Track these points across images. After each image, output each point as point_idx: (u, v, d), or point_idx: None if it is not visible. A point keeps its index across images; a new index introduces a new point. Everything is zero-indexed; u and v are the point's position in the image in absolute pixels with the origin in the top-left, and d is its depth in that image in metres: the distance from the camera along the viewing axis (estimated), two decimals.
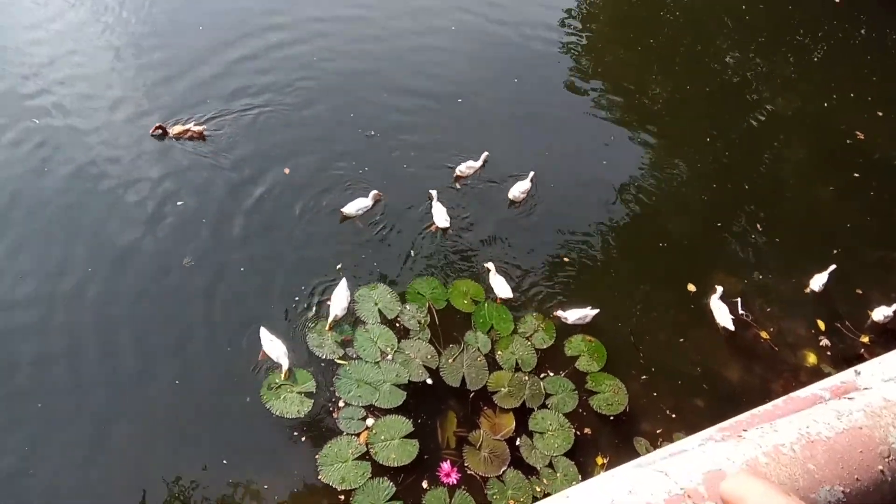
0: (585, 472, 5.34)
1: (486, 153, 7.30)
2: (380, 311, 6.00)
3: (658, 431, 5.66)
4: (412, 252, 6.56)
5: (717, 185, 7.86)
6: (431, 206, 6.79)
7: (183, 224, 6.45)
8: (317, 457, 5.09)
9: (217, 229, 6.46)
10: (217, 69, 8.04)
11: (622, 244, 7.13)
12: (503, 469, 5.23)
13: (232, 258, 6.26)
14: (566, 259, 6.79)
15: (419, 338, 5.87)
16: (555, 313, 6.10)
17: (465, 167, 7.23)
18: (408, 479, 5.11)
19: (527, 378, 5.76)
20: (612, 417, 5.69)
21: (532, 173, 7.20)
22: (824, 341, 6.44)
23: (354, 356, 5.68)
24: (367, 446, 5.17)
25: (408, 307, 6.06)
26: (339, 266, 6.27)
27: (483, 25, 9.49)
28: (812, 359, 6.31)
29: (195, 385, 5.45)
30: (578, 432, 5.54)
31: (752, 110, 8.93)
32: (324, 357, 5.65)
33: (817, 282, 6.66)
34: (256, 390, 5.37)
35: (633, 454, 5.41)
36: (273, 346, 5.46)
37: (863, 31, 10.72)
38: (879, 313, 6.49)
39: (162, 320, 5.79)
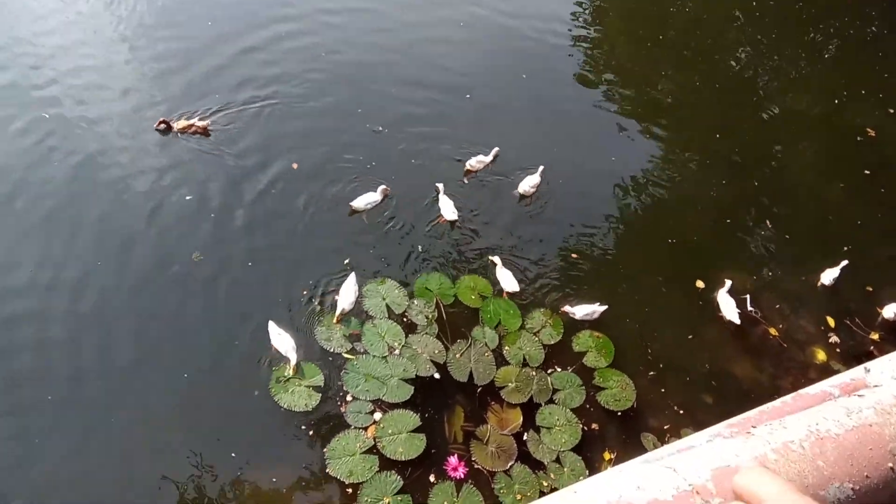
0: (593, 467, 5.34)
1: (496, 149, 7.29)
2: (387, 305, 6.01)
3: (666, 427, 5.66)
4: (420, 247, 6.56)
5: (727, 181, 7.82)
6: (438, 200, 6.79)
7: (191, 218, 6.46)
8: (325, 450, 5.11)
9: (225, 223, 6.48)
10: (227, 61, 8.05)
11: (630, 240, 7.12)
12: (510, 464, 5.25)
13: (239, 252, 6.27)
14: (574, 255, 6.78)
15: (427, 333, 5.88)
16: (562, 309, 6.10)
17: (476, 161, 7.22)
18: (415, 472, 5.13)
19: (534, 373, 5.76)
20: (619, 413, 5.69)
21: (541, 167, 7.18)
22: (834, 338, 6.42)
23: (362, 351, 5.69)
24: (374, 440, 5.19)
25: (415, 302, 6.07)
26: (346, 261, 6.28)
27: (493, 18, 9.47)
28: (821, 356, 6.29)
29: (204, 378, 5.47)
30: (586, 428, 5.54)
31: (762, 106, 8.89)
32: (332, 350, 5.67)
33: (828, 276, 6.63)
34: (264, 384, 5.40)
35: (641, 450, 5.41)
36: (281, 341, 5.48)
37: (874, 28, 10.64)
38: (890, 310, 6.46)
39: (170, 314, 5.81)
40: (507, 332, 6.00)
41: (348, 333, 5.78)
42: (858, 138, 8.55)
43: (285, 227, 6.54)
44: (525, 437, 5.41)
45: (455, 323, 6.00)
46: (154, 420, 5.21)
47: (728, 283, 6.41)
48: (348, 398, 5.42)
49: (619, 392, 5.78)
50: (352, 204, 6.64)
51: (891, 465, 1.19)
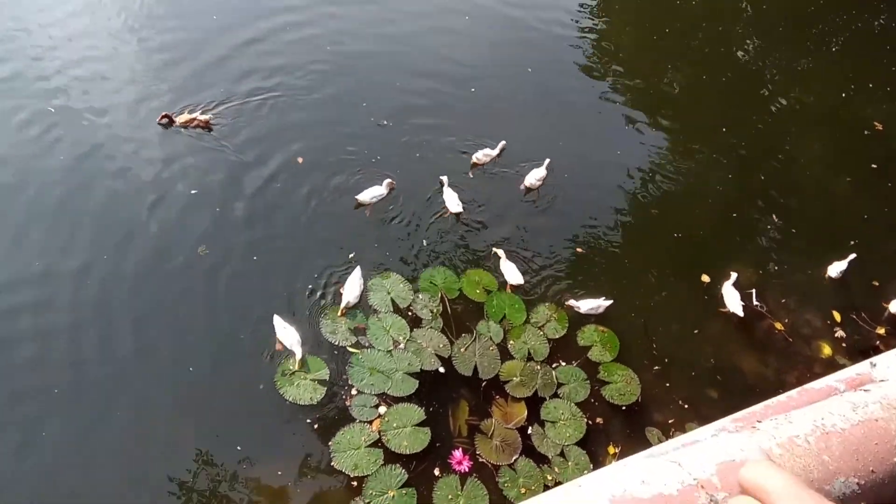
0: (597, 461, 5.35)
1: (503, 142, 7.28)
2: (392, 300, 6.02)
3: (670, 422, 5.66)
4: (424, 241, 6.56)
5: (733, 175, 7.80)
6: (443, 192, 6.78)
7: (195, 212, 6.46)
8: (330, 443, 5.13)
9: (229, 217, 6.48)
10: (230, 52, 8.04)
11: (636, 234, 7.10)
12: (515, 457, 5.25)
13: (244, 246, 6.28)
14: (579, 249, 6.77)
15: (431, 327, 5.88)
16: (567, 303, 6.09)
17: (482, 154, 7.21)
18: (420, 466, 5.14)
19: (539, 367, 5.77)
20: (624, 407, 5.69)
21: (548, 160, 7.17)
22: (840, 333, 6.40)
23: (367, 345, 5.70)
24: (379, 433, 5.20)
25: (420, 296, 6.07)
26: (351, 255, 6.29)
27: (498, 9, 9.45)
28: (827, 350, 6.27)
29: (209, 372, 5.49)
30: (590, 422, 5.55)
31: (769, 99, 8.85)
32: (337, 344, 5.68)
33: (836, 269, 6.61)
34: (270, 377, 5.41)
35: (645, 444, 5.41)
36: (287, 334, 5.49)
37: (882, 20, 10.56)
38: None
39: (175, 307, 5.83)
40: (511, 326, 6.00)
41: (353, 327, 5.79)
42: (866, 132, 8.51)
43: (289, 220, 6.55)
44: (529, 431, 5.42)
45: (460, 317, 6.01)
46: (160, 413, 5.23)
47: (734, 275, 6.39)
48: (353, 392, 5.43)
49: (623, 386, 5.78)
50: (357, 197, 6.64)
51: None
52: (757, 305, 6.42)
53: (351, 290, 5.80)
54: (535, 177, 7.07)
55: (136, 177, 6.67)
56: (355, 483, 4.98)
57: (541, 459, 5.29)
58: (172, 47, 8.02)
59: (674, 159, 7.91)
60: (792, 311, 6.53)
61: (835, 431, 1.20)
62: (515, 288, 6.21)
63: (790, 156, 8.21)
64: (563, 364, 5.86)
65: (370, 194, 6.65)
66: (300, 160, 7.02)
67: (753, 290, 6.48)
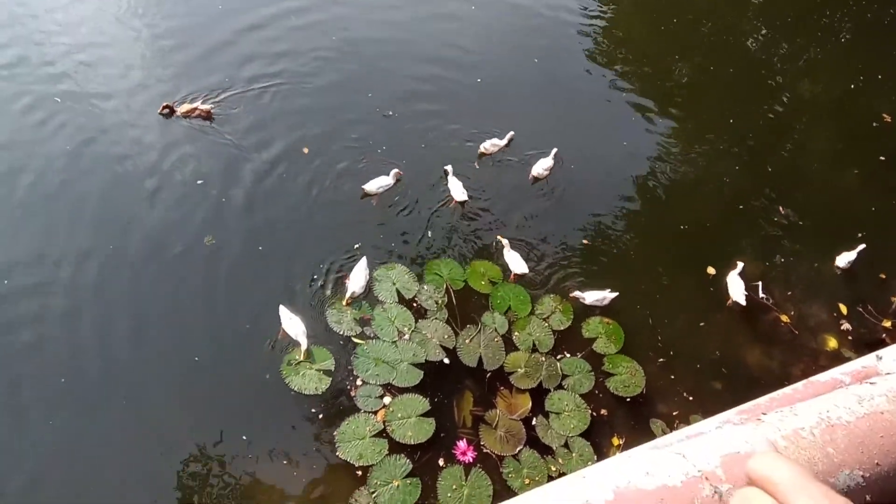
0: (601, 452, 5.36)
1: (511, 132, 7.25)
2: (398, 290, 6.02)
3: (675, 414, 5.66)
4: (430, 232, 6.56)
5: (740, 167, 7.76)
6: (448, 182, 6.77)
7: (201, 202, 6.45)
8: (335, 433, 5.15)
9: (234, 207, 6.47)
10: (235, 40, 8.01)
11: (642, 226, 7.08)
12: (519, 448, 5.27)
13: (249, 236, 6.28)
14: (585, 240, 6.76)
15: (436, 318, 5.89)
16: (572, 294, 6.09)
17: (490, 144, 7.20)
18: (424, 456, 5.16)
19: (543, 359, 5.77)
20: (628, 399, 5.69)
21: (555, 150, 7.15)
22: (846, 325, 6.38)
23: (372, 335, 5.72)
24: (384, 424, 5.22)
25: (425, 287, 6.08)
26: (357, 245, 6.29)
27: (505, 0, 9.38)
28: (833, 343, 6.26)
29: (215, 362, 5.51)
30: (594, 413, 5.55)
31: (776, 91, 8.79)
32: (342, 333, 5.69)
33: (844, 259, 6.59)
34: (276, 368, 5.43)
35: (650, 436, 5.41)
36: (292, 325, 5.50)
37: (892, 11, 10.46)
38: None
39: (180, 297, 5.84)
40: (516, 317, 6.00)
41: (359, 317, 5.80)
42: (874, 124, 8.45)
43: (294, 210, 6.54)
44: (534, 422, 5.43)
45: (465, 308, 6.01)
46: (165, 402, 5.25)
47: (740, 265, 6.38)
48: (358, 382, 5.45)
49: (628, 378, 5.78)
50: (364, 187, 6.62)
51: None
52: (763, 298, 6.40)
53: (356, 280, 5.81)
54: (542, 166, 7.05)
55: (140, 166, 6.65)
56: (360, 473, 5.00)
57: (545, 450, 5.31)
58: (178, 32, 7.99)
59: (680, 150, 7.88)
60: (798, 303, 6.51)
61: (840, 424, 1.20)
62: (519, 277, 6.20)
63: (798, 147, 8.17)
64: (568, 355, 5.86)
65: (377, 184, 6.64)
66: (306, 150, 7.01)
67: (760, 283, 6.46)
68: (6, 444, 4.93)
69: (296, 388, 5.32)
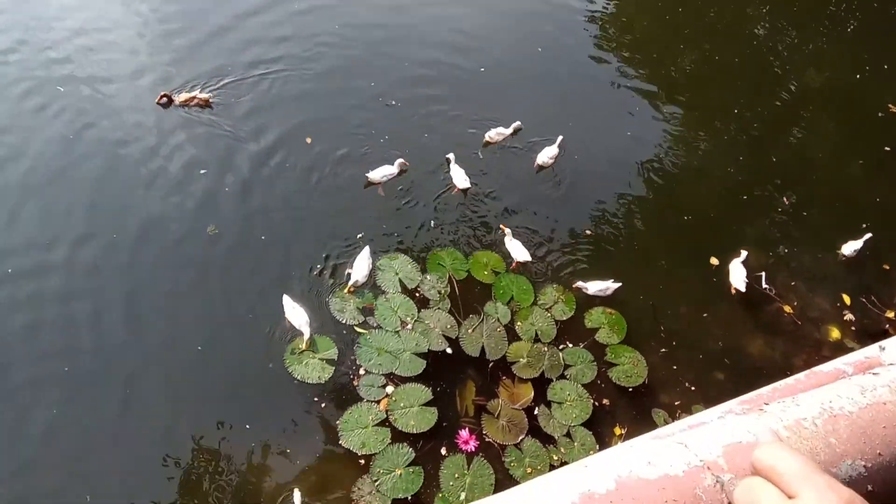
0: (603, 442, 5.37)
1: (518, 122, 7.22)
2: (400, 280, 6.03)
3: (677, 404, 5.67)
4: (432, 221, 6.55)
5: (744, 157, 7.73)
6: (450, 170, 6.75)
7: (202, 191, 6.44)
8: (338, 422, 5.17)
9: (236, 196, 6.47)
10: (235, 25, 7.97)
11: (645, 216, 7.07)
12: (521, 437, 5.29)
13: (251, 225, 6.29)
14: (588, 231, 6.75)
15: (439, 308, 5.90)
16: (575, 285, 6.08)
17: (495, 133, 7.17)
18: (427, 445, 5.18)
19: (546, 349, 5.78)
20: (630, 389, 5.70)
21: (560, 138, 7.12)
22: (849, 316, 6.37)
23: (375, 325, 5.72)
24: (386, 413, 5.24)
25: (428, 277, 6.08)
26: (360, 235, 6.29)
27: None
28: (835, 334, 6.25)
29: (218, 351, 5.53)
30: (597, 403, 5.56)
31: (781, 81, 8.74)
32: (345, 322, 5.70)
33: (850, 247, 6.56)
34: (279, 357, 5.44)
35: (652, 426, 5.42)
36: (295, 314, 5.51)
37: None
38: None
39: (183, 286, 5.85)
40: (519, 307, 6.01)
41: (361, 306, 5.80)
42: (880, 114, 8.40)
43: (297, 200, 6.54)
44: (536, 412, 5.44)
45: (467, 298, 6.01)
46: (168, 391, 5.28)
47: (744, 253, 6.37)
48: (361, 371, 5.46)
49: (630, 368, 5.78)
50: (368, 175, 6.60)
51: None
52: (766, 288, 6.40)
53: (359, 268, 5.81)
54: (547, 155, 7.03)
55: (138, 154, 6.64)
56: (363, 461, 5.03)
57: (547, 440, 5.32)
58: (180, 16, 7.97)
59: (685, 140, 7.85)
60: (801, 294, 6.50)
61: (842, 414, 1.20)
62: (521, 265, 6.20)
63: (802, 137, 8.13)
64: (571, 346, 5.87)
65: (381, 173, 6.62)
66: (308, 140, 6.99)
67: (763, 273, 6.45)
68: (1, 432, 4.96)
69: (299, 377, 5.34)
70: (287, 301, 5.60)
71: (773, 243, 6.90)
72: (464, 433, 5.20)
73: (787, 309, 6.35)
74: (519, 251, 6.14)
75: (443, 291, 6.01)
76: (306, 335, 5.41)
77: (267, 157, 6.80)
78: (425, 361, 5.54)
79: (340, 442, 5.08)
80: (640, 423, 5.49)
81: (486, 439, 5.26)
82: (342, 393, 5.38)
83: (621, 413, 5.62)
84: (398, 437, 5.15)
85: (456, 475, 5.04)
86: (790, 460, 0.79)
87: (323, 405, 5.31)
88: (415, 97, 7.59)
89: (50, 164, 6.47)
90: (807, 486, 0.76)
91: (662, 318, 6.19)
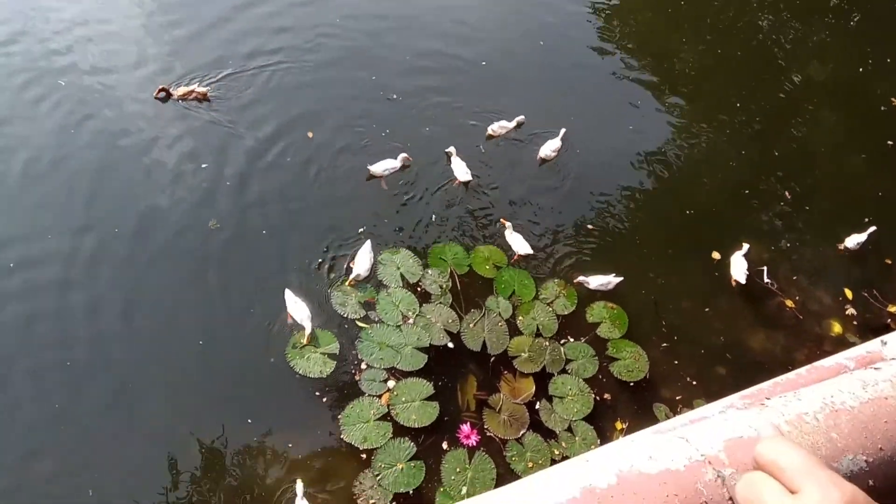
0: (604, 436, 5.38)
1: (521, 116, 7.20)
2: (402, 275, 6.02)
3: (678, 398, 5.67)
4: (434, 216, 6.54)
5: (746, 151, 7.71)
6: (450, 163, 6.74)
7: (204, 185, 6.42)
8: (339, 417, 5.18)
9: (237, 191, 6.44)
10: (236, 20, 7.92)
11: (647, 210, 7.06)
12: (522, 432, 5.29)
13: (253, 219, 6.27)
14: (590, 225, 6.74)
15: (441, 302, 5.90)
16: (577, 279, 6.08)
17: (498, 126, 7.15)
18: (428, 439, 5.19)
19: (547, 343, 5.78)
20: (632, 384, 5.70)
21: (563, 130, 7.10)
22: (850, 311, 6.37)
23: (377, 319, 5.73)
24: (388, 407, 5.24)
25: (430, 272, 6.08)
26: (361, 229, 6.28)
27: None
28: (837, 328, 6.25)
29: (219, 346, 5.53)
30: (598, 398, 5.57)
31: (784, 75, 8.71)
32: (346, 316, 5.70)
33: (854, 240, 6.55)
34: (280, 351, 5.45)
35: (653, 420, 5.42)
36: (297, 309, 5.51)
37: None
38: None
39: (184, 281, 5.84)
40: (520, 302, 6.01)
41: (363, 300, 5.80)
42: (882, 108, 8.37)
43: (298, 194, 6.52)
44: (537, 406, 5.44)
45: (469, 293, 6.01)
46: (169, 386, 5.28)
47: (746, 246, 6.36)
48: (363, 366, 5.47)
49: (632, 363, 5.78)
50: (370, 168, 6.59)
51: None
52: (767, 282, 6.39)
53: (361, 262, 5.81)
54: (550, 148, 7.01)
55: (147, 153, 6.62)
56: (364, 456, 5.03)
57: (548, 434, 5.33)
58: (179, 7, 7.93)
59: (687, 134, 7.83)
60: (803, 288, 6.50)
61: (844, 409, 1.20)
62: (523, 258, 6.19)
63: (805, 131, 8.11)
64: (572, 340, 5.87)
65: (383, 166, 6.60)
66: (310, 134, 6.97)
67: (765, 267, 6.44)
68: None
69: (300, 372, 5.34)
70: (289, 295, 5.60)
71: (775, 237, 6.89)
72: (465, 428, 5.21)
73: (789, 303, 6.34)
74: (520, 244, 6.13)
75: (444, 286, 6.01)
76: (308, 330, 5.42)
77: (267, 149, 6.77)
78: (427, 356, 5.54)
79: (342, 436, 5.09)
80: (642, 417, 5.50)
81: (488, 434, 5.26)
82: (344, 387, 5.39)
83: (622, 408, 5.62)
84: (399, 431, 5.16)
85: (457, 469, 5.05)
86: (792, 455, 0.78)
87: (324, 400, 5.32)
88: (416, 89, 7.56)
89: (49, 155, 6.44)
90: (809, 481, 0.76)
91: (664, 313, 6.19)
